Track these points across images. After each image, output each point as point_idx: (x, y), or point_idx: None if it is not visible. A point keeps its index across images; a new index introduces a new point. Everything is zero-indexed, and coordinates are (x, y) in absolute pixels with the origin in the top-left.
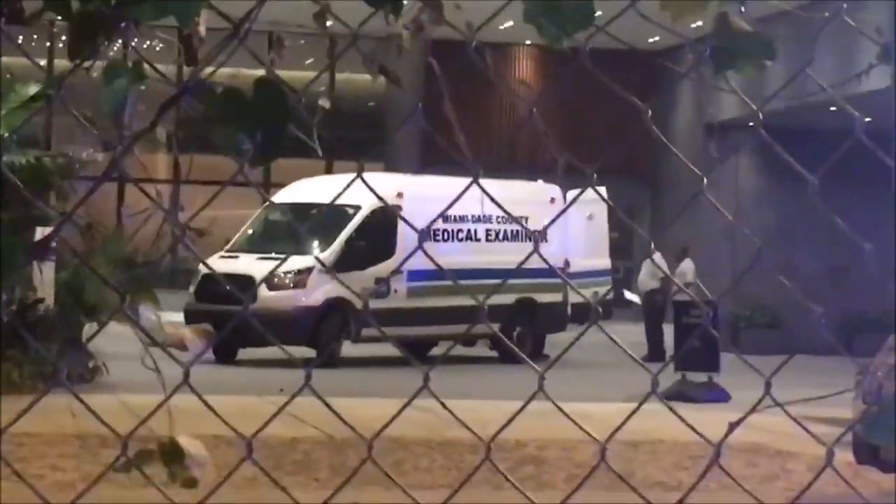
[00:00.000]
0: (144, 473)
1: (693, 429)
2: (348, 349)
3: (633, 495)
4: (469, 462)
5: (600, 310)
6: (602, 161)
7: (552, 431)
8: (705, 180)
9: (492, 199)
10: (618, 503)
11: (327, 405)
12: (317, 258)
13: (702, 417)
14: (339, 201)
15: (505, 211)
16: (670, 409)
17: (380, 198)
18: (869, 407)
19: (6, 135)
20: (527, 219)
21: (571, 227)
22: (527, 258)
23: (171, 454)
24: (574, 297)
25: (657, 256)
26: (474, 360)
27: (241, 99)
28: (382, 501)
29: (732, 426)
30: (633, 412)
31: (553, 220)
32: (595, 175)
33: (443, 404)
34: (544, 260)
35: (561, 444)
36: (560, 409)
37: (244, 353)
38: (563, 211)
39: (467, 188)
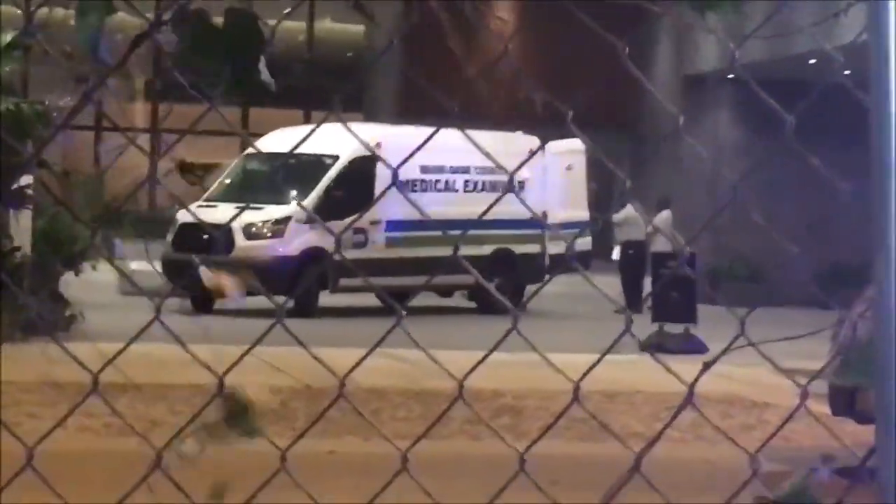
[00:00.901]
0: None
1: (669, 370)
2: (325, 299)
3: (609, 446)
4: (449, 411)
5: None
6: (580, 102)
7: (530, 381)
8: (681, 119)
9: (476, 145)
10: (594, 453)
11: (302, 344)
12: (299, 204)
13: (679, 368)
14: (316, 151)
15: (489, 157)
16: (649, 352)
17: (363, 142)
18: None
19: None
20: (505, 169)
21: (550, 177)
22: (498, 200)
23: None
24: (553, 248)
25: (637, 206)
26: (451, 311)
27: (213, 27)
28: (360, 450)
29: (707, 365)
30: (607, 351)
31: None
32: (571, 119)
33: (417, 344)
34: (528, 208)
35: (538, 394)
36: (534, 347)
37: (221, 303)
38: (538, 152)
39: (438, 131)
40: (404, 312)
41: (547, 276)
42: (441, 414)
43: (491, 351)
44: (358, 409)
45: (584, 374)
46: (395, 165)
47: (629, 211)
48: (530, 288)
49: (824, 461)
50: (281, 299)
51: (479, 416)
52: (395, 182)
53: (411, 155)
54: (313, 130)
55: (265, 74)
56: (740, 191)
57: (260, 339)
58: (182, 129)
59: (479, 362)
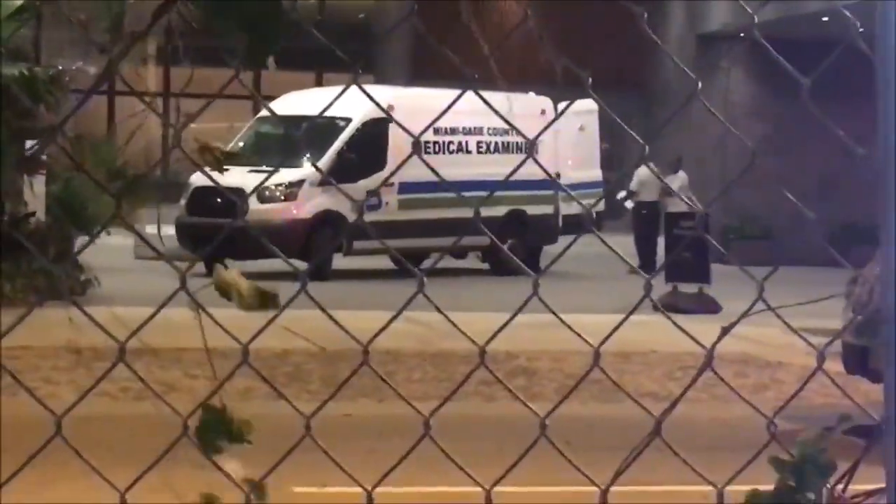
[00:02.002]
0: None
1: (686, 333)
2: (339, 262)
3: (622, 406)
4: (462, 373)
5: (594, 217)
6: (594, 67)
7: (543, 343)
8: (699, 84)
9: (491, 108)
10: (607, 414)
11: (324, 311)
12: (314, 165)
13: (693, 328)
14: (329, 114)
15: (504, 119)
16: (664, 314)
17: (379, 106)
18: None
19: None
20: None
21: (562, 138)
22: (522, 163)
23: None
24: (565, 209)
25: (650, 168)
26: (465, 273)
27: None
28: (374, 413)
29: (725, 330)
30: (628, 315)
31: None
32: (589, 83)
33: (438, 309)
34: (543, 169)
35: (552, 355)
36: (554, 313)
37: (234, 266)
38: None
39: (461, 95)
40: (425, 278)
41: (573, 237)
42: (464, 379)
43: (512, 317)
44: (381, 376)
45: (605, 340)
46: (407, 126)
47: (643, 172)
48: (547, 249)
49: (841, 420)
50: (301, 265)
51: (500, 380)
52: (417, 149)
53: (438, 118)
54: (339, 96)
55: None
56: (755, 151)
57: (286, 306)
58: (193, 93)
59: (501, 329)
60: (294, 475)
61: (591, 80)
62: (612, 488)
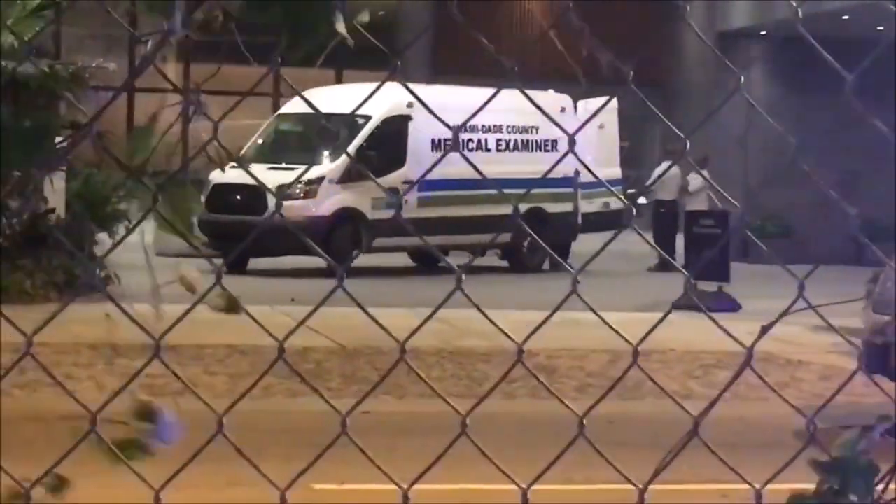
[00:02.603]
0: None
1: (726, 331)
2: (359, 259)
3: (642, 404)
4: (482, 371)
5: (633, 212)
6: (634, 62)
7: (563, 341)
8: (741, 78)
9: (534, 104)
10: (628, 411)
11: (362, 308)
12: (347, 153)
13: (714, 326)
14: (349, 111)
15: (546, 115)
16: (706, 314)
17: (425, 105)
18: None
19: (16, 43)
20: (537, 128)
21: (582, 136)
22: (560, 159)
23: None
24: (585, 207)
25: (669, 165)
26: (484, 270)
27: None
28: (394, 410)
29: (765, 329)
30: (664, 317)
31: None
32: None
33: (478, 308)
34: (585, 167)
35: (572, 353)
36: (594, 311)
37: (254, 264)
38: (589, 119)
39: (498, 92)
40: (463, 276)
41: (614, 232)
42: (501, 377)
43: (550, 315)
44: (420, 375)
45: (644, 338)
46: (427, 125)
47: (661, 170)
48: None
49: (880, 419)
50: (314, 260)
51: (540, 380)
52: (456, 142)
53: (476, 112)
54: (375, 90)
55: (341, 28)
56: (772, 148)
57: (322, 303)
58: (213, 90)
59: (539, 326)
60: (313, 472)
61: (606, 82)
62: (643, 486)
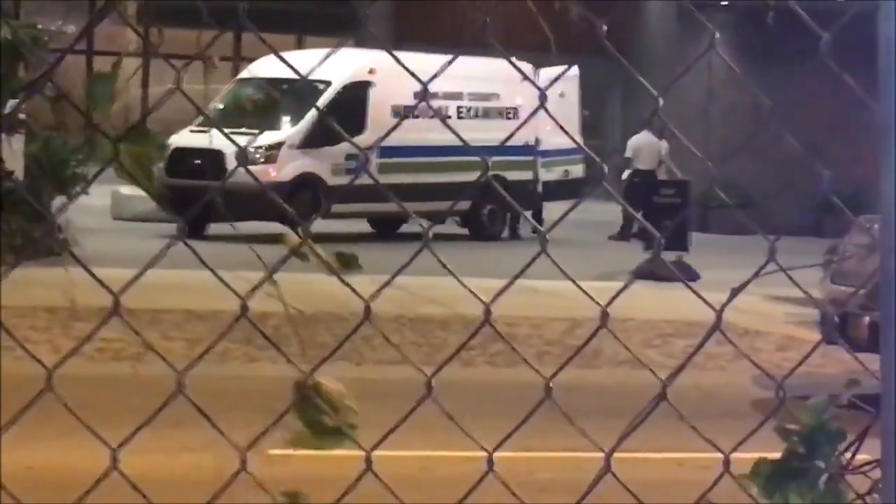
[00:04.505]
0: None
1: (698, 294)
2: (317, 225)
3: (599, 373)
4: (440, 338)
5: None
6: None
7: (522, 309)
8: (717, 35)
9: (525, 76)
10: (584, 380)
11: (331, 267)
12: (318, 108)
13: (674, 295)
14: (309, 77)
15: (536, 84)
16: (685, 283)
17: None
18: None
19: None
20: (498, 96)
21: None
22: (522, 124)
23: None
24: (545, 176)
25: (643, 136)
26: (445, 238)
27: None
28: (351, 376)
29: (735, 291)
30: (631, 280)
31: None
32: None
33: (447, 269)
34: (571, 143)
35: (530, 321)
36: (565, 274)
37: (214, 228)
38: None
39: (455, 58)
40: (431, 235)
41: (576, 200)
42: (468, 339)
43: (518, 275)
44: (387, 337)
45: (612, 300)
46: (388, 92)
47: (637, 139)
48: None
49: (848, 384)
50: (273, 226)
51: (507, 341)
52: (425, 96)
53: (436, 75)
54: (330, 52)
55: None
56: (734, 119)
57: (285, 259)
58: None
59: (506, 287)
60: (268, 438)
61: (564, 51)
62: (608, 452)
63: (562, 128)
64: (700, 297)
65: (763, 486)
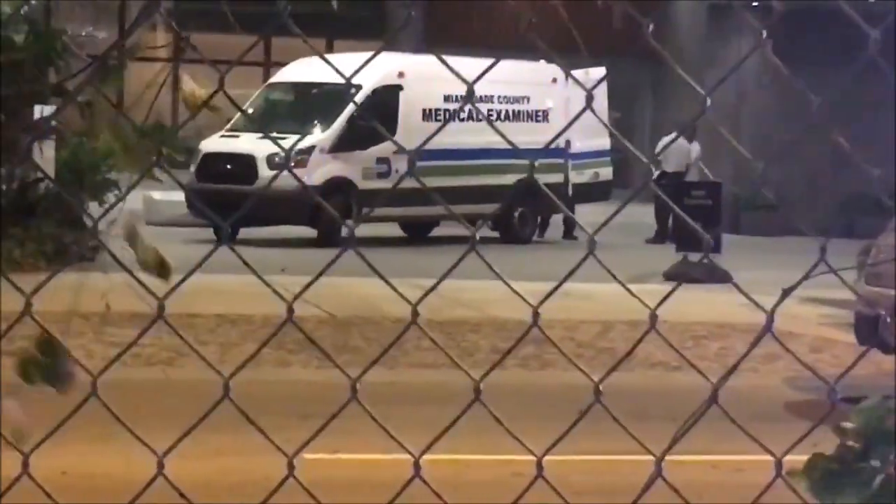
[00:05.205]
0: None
1: (747, 296)
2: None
3: (632, 375)
4: (472, 341)
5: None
6: (604, 33)
7: (553, 311)
8: (764, 34)
9: (570, 78)
10: (618, 382)
11: (376, 271)
12: (354, 102)
13: (707, 297)
14: (339, 81)
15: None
16: (735, 286)
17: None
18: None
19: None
20: (528, 98)
21: (572, 107)
22: (564, 130)
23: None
24: (575, 178)
25: (672, 139)
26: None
27: None
28: (383, 380)
29: (785, 292)
30: (677, 286)
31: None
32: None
33: (494, 272)
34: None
35: (563, 324)
36: (612, 275)
37: (244, 233)
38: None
39: (497, 62)
40: (477, 237)
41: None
42: (514, 344)
43: (564, 279)
44: (433, 339)
45: (661, 302)
46: (418, 95)
47: (667, 141)
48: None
49: None
50: (303, 230)
51: (554, 343)
52: (470, 98)
53: (478, 79)
54: (368, 59)
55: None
56: (763, 121)
57: (328, 267)
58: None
59: (553, 291)
60: (304, 441)
61: (594, 53)
62: (660, 456)
63: (610, 130)
64: (751, 299)
65: (815, 486)
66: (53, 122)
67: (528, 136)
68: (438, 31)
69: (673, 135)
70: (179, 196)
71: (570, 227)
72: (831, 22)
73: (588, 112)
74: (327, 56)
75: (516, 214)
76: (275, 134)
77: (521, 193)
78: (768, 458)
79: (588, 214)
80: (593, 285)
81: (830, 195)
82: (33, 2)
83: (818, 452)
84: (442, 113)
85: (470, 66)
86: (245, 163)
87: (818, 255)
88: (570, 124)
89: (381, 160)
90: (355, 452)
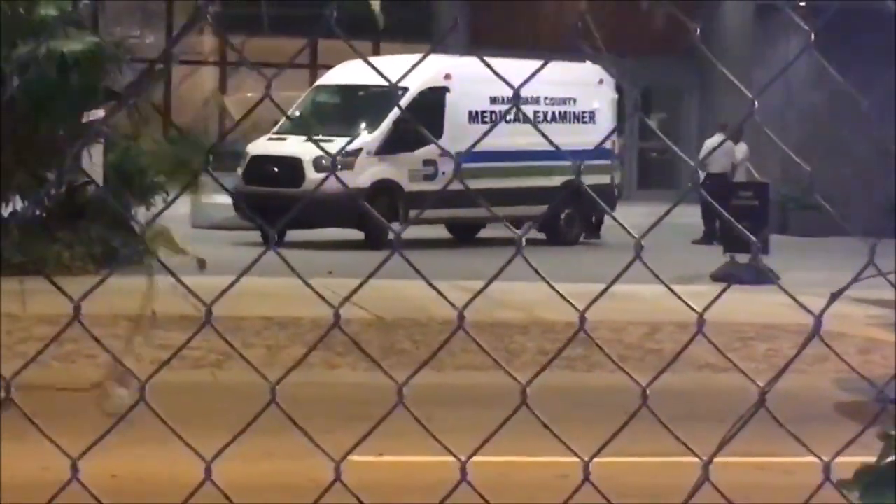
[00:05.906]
0: None
1: (798, 301)
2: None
3: (678, 377)
4: (519, 343)
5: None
6: (648, 33)
7: (601, 313)
8: (813, 36)
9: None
10: (665, 384)
11: (420, 273)
12: (400, 107)
13: (755, 298)
14: (385, 83)
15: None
16: (782, 289)
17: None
18: None
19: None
20: (574, 100)
21: (611, 109)
22: (610, 134)
23: None
24: (621, 179)
25: (718, 138)
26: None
27: None
28: (431, 382)
29: (834, 296)
30: (725, 289)
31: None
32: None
33: (538, 273)
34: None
35: (610, 325)
36: (659, 279)
37: (291, 235)
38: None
39: (546, 63)
40: (524, 242)
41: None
42: (563, 346)
43: (611, 284)
44: (479, 343)
45: (709, 306)
46: (464, 97)
47: (712, 142)
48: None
49: None
50: (350, 232)
51: (602, 348)
52: (516, 101)
53: (527, 80)
54: (417, 62)
55: (376, 7)
56: (811, 120)
57: (375, 272)
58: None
59: (599, 295)
60: (350, 444)
61: (640, 53)
62: (707, 460)
63: (656, 132)
64: (799, 303)
65: (865, 492)
66: (103, 127)
67: (575, 136)
68: (484, 33)
69: (718, 137)
70: (226, 199)
71: (597, 225)
72: (879, 22)
73: (633, 113)
74: (373, 59)
75: (563, 216)
76: (321, 136)
77: (568, 195)
78: (818, 460)
79: (636, 216)
80: (640, 286)
81: (880, 195)
82: (81, 4)
83: (868, 464)
84: (488, 114)
85: (515, 67)
86: (292, 165)
87: (867, 256)
88: (616, 127)
89: (428, 162)
90: (400, 454)
